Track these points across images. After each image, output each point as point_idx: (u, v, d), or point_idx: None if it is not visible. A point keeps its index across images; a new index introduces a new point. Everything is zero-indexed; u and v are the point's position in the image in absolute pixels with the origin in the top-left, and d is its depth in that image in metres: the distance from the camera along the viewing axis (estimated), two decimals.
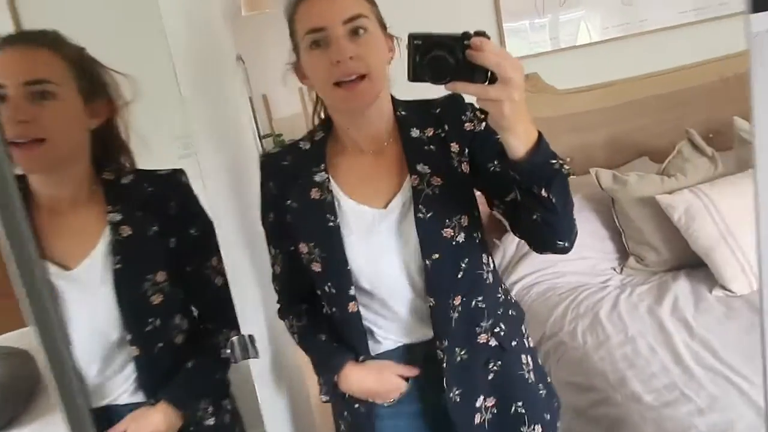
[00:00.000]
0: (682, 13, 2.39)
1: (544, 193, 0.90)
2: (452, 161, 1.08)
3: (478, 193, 1.12)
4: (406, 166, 1.09)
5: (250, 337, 1.19)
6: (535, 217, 0.95)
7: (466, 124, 1.10)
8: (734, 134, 2.28)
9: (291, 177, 1.13)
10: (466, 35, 0.82)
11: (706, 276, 1.98)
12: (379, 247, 1.09)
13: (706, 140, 2.28)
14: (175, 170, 1.17)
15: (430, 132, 1.11)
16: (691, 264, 2.07)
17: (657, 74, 2.43)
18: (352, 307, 1.10)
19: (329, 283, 1.11)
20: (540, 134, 0.89)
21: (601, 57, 2.47)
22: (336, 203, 1.10)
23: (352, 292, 1.10)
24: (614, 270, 2.22)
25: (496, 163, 1.04)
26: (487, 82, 0.83)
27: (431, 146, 1.09)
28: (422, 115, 1.12)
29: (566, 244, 1.01)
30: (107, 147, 1.14)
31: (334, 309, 1.14)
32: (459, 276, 1.08)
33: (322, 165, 1.11)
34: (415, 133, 1.11)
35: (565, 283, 2.15)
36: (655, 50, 2.42)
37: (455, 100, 1.12)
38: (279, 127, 4.03)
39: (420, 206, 1.06)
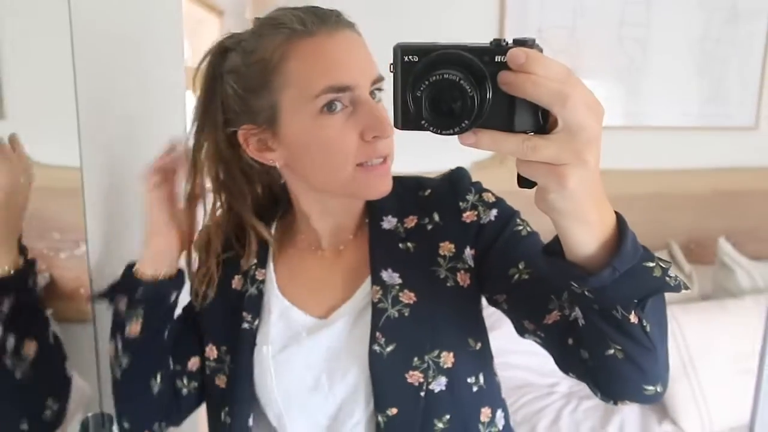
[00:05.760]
0: (686, 115, 2.26)
1: (633, 317, 0.55)
2: (438, 271, 0.76)
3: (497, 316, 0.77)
4: (369, 271, 0.78)
5: (108, 416, 1.00)
6: (611, 351, 0.58)
7: (465, 214, 0.77)
8: (717, 255, 2.16)
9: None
10: (497, 45, 0.45)
11: (659, 405, 1.82)
12: (300, 374, 0.78)
13: (687, 250, 2.22)
14: None
15: (410, 222, 0.79)
16: None
17: (649, 172, 2.30)
18: None
19: (227, 408, 0.81)
20: (620, 218, 0.53)
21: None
22: (264, 299, 0.82)
23: (250, 423, 0.80)
24: None
25: (522, 267, 0.71)
26: (535, 131, 0.47)
27: (409, 244, 0.78)
28: (404, 196, 0.80)
29: (658, 389, 0.61)
30: None
31: None
32: None
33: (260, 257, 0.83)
34: (388, 223, 0.79)
35: (511, 378, 1.96)
36: (651, 147, 2.28)
37: (457, 175, 0.80)
38: None
39: (378, 334, 0.74)
